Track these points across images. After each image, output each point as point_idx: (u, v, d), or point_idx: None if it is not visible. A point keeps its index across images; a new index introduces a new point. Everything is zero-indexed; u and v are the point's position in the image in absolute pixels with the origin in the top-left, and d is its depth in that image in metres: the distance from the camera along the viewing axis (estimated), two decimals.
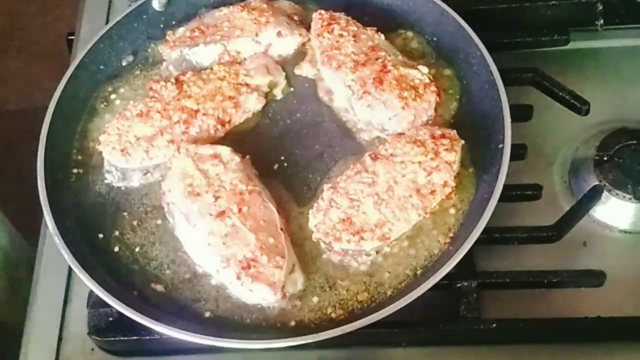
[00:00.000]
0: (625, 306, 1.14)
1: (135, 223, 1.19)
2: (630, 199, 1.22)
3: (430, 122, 1.21)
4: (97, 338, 1.16)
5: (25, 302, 1.25)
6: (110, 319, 1.15)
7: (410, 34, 1.35)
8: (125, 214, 1.20)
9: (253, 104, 1.27)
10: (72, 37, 1.55)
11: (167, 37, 1.36)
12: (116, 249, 1.17)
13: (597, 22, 1.41)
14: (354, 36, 1.27)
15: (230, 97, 1.25)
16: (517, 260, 1.20)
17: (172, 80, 1.25)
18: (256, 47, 1.32)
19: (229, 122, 1.25)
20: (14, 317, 1.36)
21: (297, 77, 1.32)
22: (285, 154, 1.24)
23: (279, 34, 1.31)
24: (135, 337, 1.14)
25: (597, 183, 1.24)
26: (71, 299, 1.24)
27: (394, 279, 1.10)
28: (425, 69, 1.24)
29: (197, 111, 1.22)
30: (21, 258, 1.71)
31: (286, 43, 1.32)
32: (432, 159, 1.12)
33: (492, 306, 1.15)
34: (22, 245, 1.76)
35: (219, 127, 1.24)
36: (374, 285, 1.10)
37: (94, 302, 1.15)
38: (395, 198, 1.10)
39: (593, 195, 1.21)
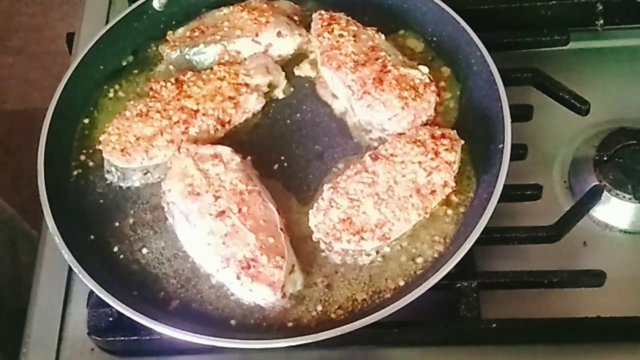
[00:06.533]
0: (625, 306, 1.14)
1: (135, 223, 1.19)
2: (630, 199, 1.22)
3: (430, 122, 1.21)
4: (97, 338, 1.16)
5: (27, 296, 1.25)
6: (110, 319, 1.15)
7: (410, 34, 1.35)
8: (125, 213, 1.20)
9: (253, 104, 1.27)
10: (72, 37, 1.55)
11: (167, 37, 1.36)
12: (116, 248, 1.17)
13: (597, 22, 1.41)
14: (354, 36, 1.27)
15: (230, 97, 1.25)
16: (517, 260, 1.20)
17: (172, 80, 1.25)
18: (256, 47, 1.32)
19: (229, 122, 1.25)
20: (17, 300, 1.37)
21: (297, 77, 1.32)
22: (285, 154, 1.24)
23: (279, 34, 1.31)
24: (135, 337, 1.14)
25: (597, 183, 1.24)
26: (71, 299, 1.24)
27: (394, 279, 1.10)
28: (425, 69, 1.24)
29: (197, 111, 1.22)
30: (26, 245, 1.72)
31: (286, 43, 1.32)
32: (432, 159, 1.12)
33: (492, 306, 1.15)
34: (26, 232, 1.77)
35: (219, 127, 1.24)
36: (374, 285, 1.10)
37: (94, 302, 1.15)
38: (395, 198, 1.10)
39: (593, 195, 1.21)
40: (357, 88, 1.22)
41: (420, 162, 1.12)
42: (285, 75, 1.31)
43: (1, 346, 1.48)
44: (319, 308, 1.09)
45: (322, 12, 1.32)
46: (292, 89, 1.31)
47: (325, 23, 1.29)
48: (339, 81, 1.25)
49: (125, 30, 1.37)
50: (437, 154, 1.13)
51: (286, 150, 1.24)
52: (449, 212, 1.14)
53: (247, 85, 1.27)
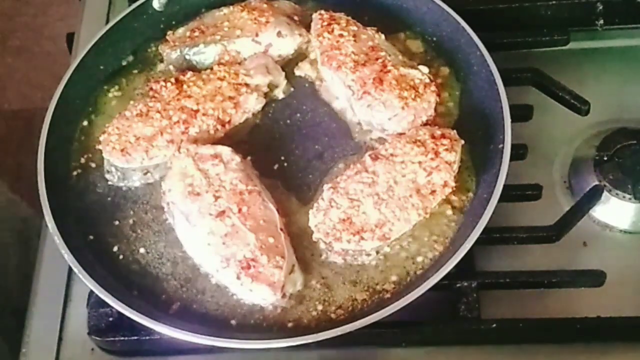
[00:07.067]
0: (625, 306, 1.14)
1: (135, 223, 1.19)
2: (630, 199, 1.22)
3: (430, 122, 1.21)
4: (97, 338, 1.16)
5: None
6: (110, 319, 1.15)
7: (410, 34, 1.35)
8: (125, 214, 1.20)
9: (253, 104, 1.27)
10: (72, 37, 1.55)
11: (167, 37, 1.36)
12: (116, 248, 1.17)
13: (597, 22, 1.41)
14: (354, 36, 1.27)
15: (230, 97, 1.25)
16: (517, 260, 1.20)
17: (172, 80, 1.25)
18: (256, 47, 1.32)
19: (229, 122, 1.25)
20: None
21: (297, 77, 1.32)
22: (285, 154, 1.24)
23: (279, 34, 1.31)
24: (135, 337, 1.14)
25: (597, 183, 1.24)
26: (71, 299, 1.24)
27: (394, 279, 1.10)
28: (425, 69, 1.24)
29: (197, 111, 1.22)
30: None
31: (286, 43, 1.32)
32: (432, 159, 1.12)
33: (492, 306, 1.15)
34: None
35: (219, 127, 1.24)
36: (374, 285, 1.10)
37: (94, 302, 1.15)
38: (395, 198, 1.10)
39: (593, 195, 1.21)
40: (357, 88, 1.22)
41: (420, 162, 1.12)
42: (285, 75, 1.31)
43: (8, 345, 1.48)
44: (319, 308, 1.09)
45: (322, 12, 1.32)
46: (292, 89, 1.31)
47: (325, 23, 1.29)
48: (339, 81, 1.25)
49: (125, 30, 1.37)
50: (437, 154, 1.13)
51: (286, 150, 1.24)
52: (449, 212, 1.14)
53: (247, 85, 1.27)
